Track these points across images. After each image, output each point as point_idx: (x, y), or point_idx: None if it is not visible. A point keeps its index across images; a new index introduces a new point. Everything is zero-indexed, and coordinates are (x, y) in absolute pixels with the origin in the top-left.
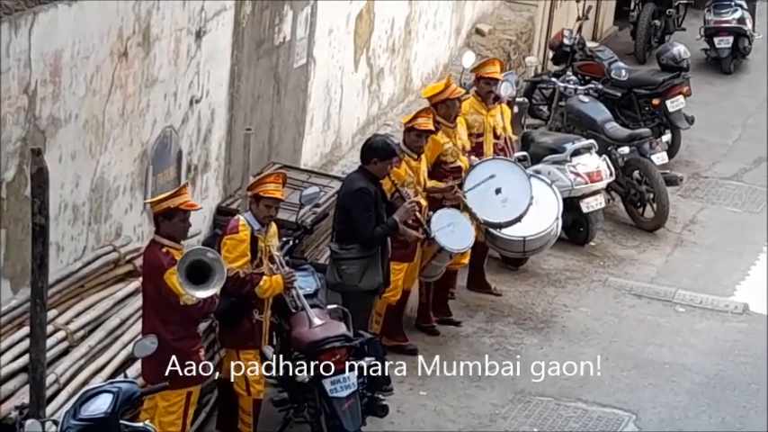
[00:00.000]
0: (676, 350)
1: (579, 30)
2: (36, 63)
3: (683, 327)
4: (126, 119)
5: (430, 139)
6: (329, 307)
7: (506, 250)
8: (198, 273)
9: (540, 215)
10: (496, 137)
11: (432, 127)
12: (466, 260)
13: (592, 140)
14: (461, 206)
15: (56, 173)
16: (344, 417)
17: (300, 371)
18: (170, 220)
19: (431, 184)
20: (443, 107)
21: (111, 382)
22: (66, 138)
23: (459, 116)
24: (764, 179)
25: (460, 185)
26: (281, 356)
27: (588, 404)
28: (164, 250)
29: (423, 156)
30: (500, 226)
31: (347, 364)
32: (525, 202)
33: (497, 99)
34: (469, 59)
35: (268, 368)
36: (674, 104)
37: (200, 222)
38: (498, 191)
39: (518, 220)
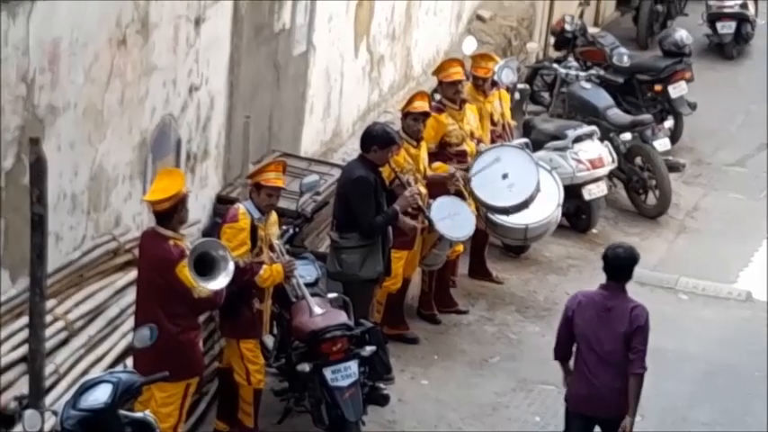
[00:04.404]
0: (679, 338)
1: (581, 15)
2: (34, 51)
3: (686, 314)
4: (125, 107)
5: (434, 119)
6: (330, 296)
7: (507, 237)
8: (201, 264)
9: (541, 202)
10: (493, 123)
11: (427, 109)
12: (461, 248)
13: (594, 127)
14: (467, 192)
15: (54, 162)
16: (345, 406)
17: (301, 360)
18: (182, 210)
19: (431, 172)
20: (451, 88)
21: (111, 372)
22: (65, 126)
23: (472, 103)
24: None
25: (466, 170)
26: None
27: None
28: (171, 243)
29: (422, 143)
30: (506, 211)
31: (348, 353)
32: (531, 187)
33: (495, 85)
34: (470, 46)
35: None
36: (677, 90)
37: (199, 211)
38: (505, 176)
39: (525, 205)
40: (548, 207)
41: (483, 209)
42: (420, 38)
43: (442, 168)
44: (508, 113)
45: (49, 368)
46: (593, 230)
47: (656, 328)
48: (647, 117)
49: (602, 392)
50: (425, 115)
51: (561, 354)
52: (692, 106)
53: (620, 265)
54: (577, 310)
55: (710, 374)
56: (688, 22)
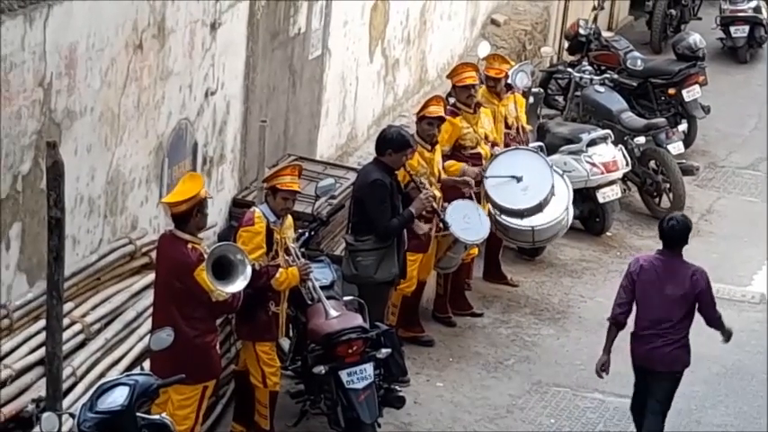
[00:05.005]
0: (693, 340)
1: (595, 20)
2: (51, 56)
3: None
4: (141, 111)
5: (448, 122)
6: (345, 299)
7: (516, 240)
8: (219, 268)
9: (550, 205)
10: (508, 127)
11: (442, 113)
12: (476, 251)
13: (608, 130)
14: (482, 194)
15: (71, 166)
16: (361, 408)
17: (316, 362)
18: (199, 214)
19: (446, 175)
20: (464, 92)
21: (128, 375)
22: (82, 130)
23: (486, 106)
24: None
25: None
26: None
27: (605, 395)
28: (189, 246)
29: (436, 147)
30: (521, 214)
31: (364, 355)
32: (546, 190)
33: (510, 89)
34: (485, 50)
35: (284, 360)
36: (690, 94)
37: (215, 215)
38: (519, 179)
39: (539, 208)
40: (555, 209)
41: (495, 211)
42: (435, 42)
43: (455, 167)
44: (523, 117)
45: (66, 371)
46: (608, 233)
47: None
48: (660, 121)
49: (657, 349)
50: (440, 120)
51: (618, 318)
52: (706, 110)
53: (675, 235)
54: (640, 273)
55: (724, 377)
56: (701, 25)
